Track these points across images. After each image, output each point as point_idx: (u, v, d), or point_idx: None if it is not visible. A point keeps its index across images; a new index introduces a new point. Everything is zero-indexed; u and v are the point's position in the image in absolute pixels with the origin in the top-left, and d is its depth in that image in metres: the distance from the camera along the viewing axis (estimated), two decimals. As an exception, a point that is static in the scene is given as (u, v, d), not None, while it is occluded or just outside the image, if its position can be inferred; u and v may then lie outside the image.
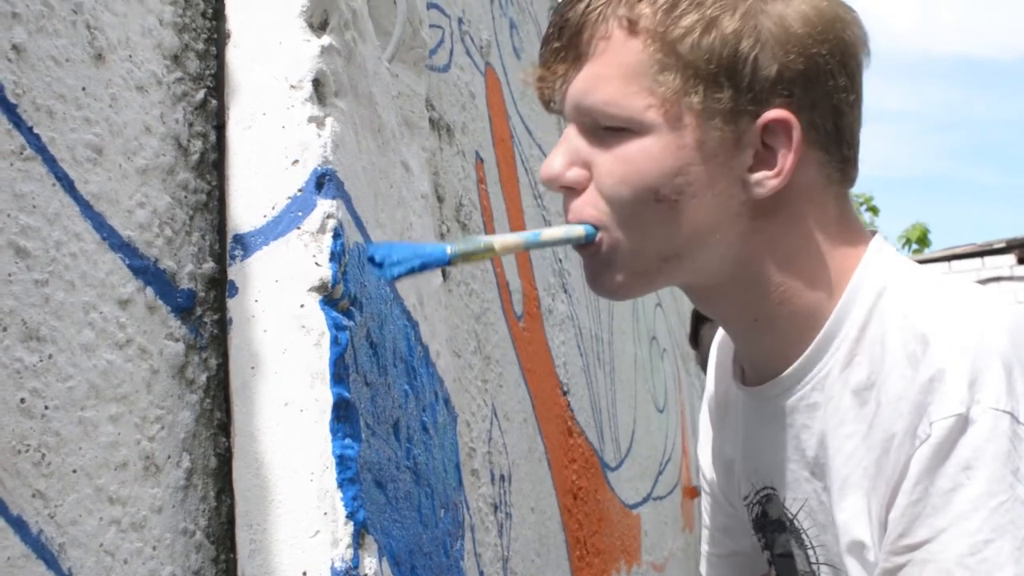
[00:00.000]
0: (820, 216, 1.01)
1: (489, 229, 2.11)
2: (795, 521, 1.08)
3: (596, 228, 1.00)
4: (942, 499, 0.89)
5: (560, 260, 2.67)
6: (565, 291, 2.70)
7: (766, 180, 0.97)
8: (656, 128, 0.96)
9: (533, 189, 2.59)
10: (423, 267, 0.99)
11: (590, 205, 1.00)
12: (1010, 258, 9.98)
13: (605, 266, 1.01)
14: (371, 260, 0.93)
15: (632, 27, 0.96)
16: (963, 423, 0.89)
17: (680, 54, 0.94)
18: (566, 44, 1.00)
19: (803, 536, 1.07)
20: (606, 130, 0.98)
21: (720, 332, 1.22)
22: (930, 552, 0.89)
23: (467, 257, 1.00)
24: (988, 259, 10.04)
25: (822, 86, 0.97)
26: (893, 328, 0.96)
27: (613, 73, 0.97)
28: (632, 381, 3.39)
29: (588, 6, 0.99)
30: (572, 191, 1.01)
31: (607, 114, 0.97)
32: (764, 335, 1.04)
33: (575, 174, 1.01)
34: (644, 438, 3.45)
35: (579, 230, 1.00)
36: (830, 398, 1.00)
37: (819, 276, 1.01)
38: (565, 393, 2.57)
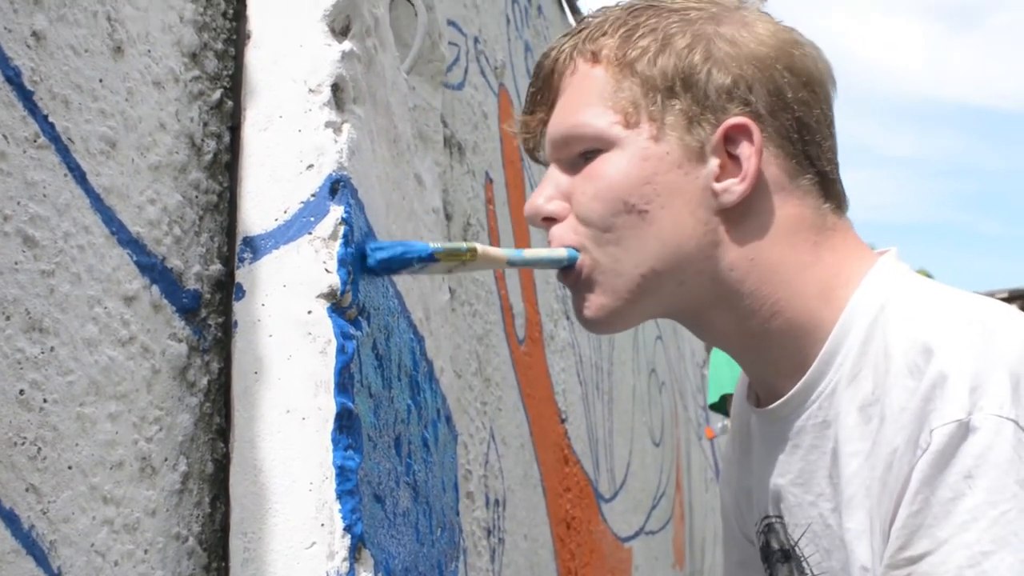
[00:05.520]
0: (797, 224, 1.01)
1: (496, 250, 2.10)
2: (796, 548, 1.05)
3: (577, 252, 1.03)
4: (943, 509, 0.86)
5: (563, 286, 2.66)
6: (567, 318, 2.68)
7: (733, 187, 0.99)
8: (621, 141, 1.01)
9: (540, 214, 2.58)
10: (404, 255, 1.03)
11: (569, 230, 1.04)
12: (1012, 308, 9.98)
13: (588, 290, 1.04)
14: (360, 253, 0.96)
15: (595, 57, 1.03)
16: (964, 430, 0.86)
17: (637, 71, 1.01)
18: (541, 88, 1.08)
19: (804, 564, 1.05)
20: (581, 158, 1.03)
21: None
22: (931, 565, 0.86)
23: (449, 255, 1.04)
24: (988, 310, 10.04)
25: (781, 97, 1.00)
26: (896, 340, 0.94)
27: (579, 99, 1.03)
28: (630, 413, 3.36)
29: (557, 50, 1.07)
30: (553, 221, 1.05)
31: (576, 135, 1.03)
32: (763, 352, 1.04)
33: (555, 205, 1.05)
34: (639, 471, 3.42)
35: (561, 252, 1.03)
36: (837, 415, 0.98)
37: (807, 287, 1.00)
38: (563, 420, 2.55)
